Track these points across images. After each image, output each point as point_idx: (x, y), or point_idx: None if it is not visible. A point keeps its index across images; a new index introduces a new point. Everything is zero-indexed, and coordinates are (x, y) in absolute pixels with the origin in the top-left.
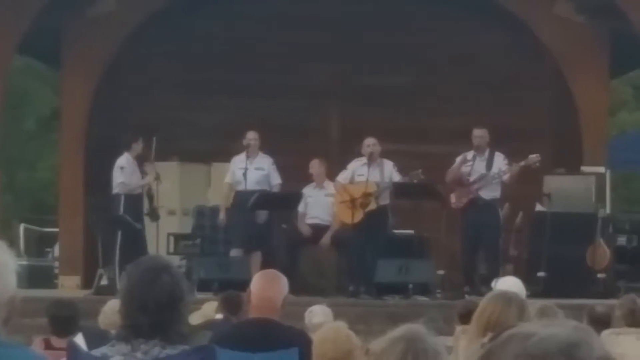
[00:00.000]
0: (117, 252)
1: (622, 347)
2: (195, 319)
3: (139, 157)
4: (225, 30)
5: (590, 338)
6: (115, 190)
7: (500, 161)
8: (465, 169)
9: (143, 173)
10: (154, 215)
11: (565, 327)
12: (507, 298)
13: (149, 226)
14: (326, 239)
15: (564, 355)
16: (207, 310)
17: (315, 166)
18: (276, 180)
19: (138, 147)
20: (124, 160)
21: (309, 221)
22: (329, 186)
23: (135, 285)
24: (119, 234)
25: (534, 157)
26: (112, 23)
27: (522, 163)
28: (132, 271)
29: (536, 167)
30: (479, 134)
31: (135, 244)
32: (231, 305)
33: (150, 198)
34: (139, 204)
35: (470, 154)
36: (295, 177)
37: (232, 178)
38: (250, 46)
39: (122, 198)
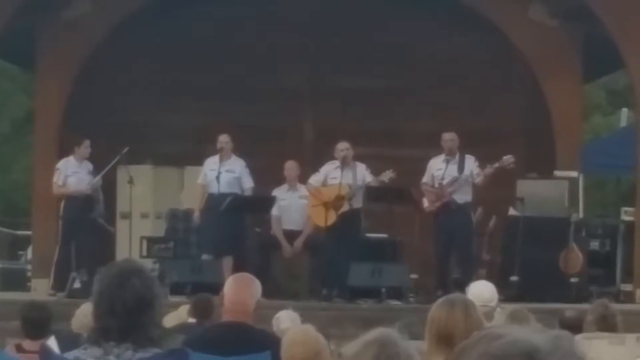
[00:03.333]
0: (84, 255)
1: (595, 352)
2: (169, 322)
3: (89, 157)
4: (199, 32)
5: (560, 345)
6: (53, 191)
7: (471, 163)
8: (437, 172)
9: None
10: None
11: (536, 333)
12: (450, 303)
13: (122, 229)
14: (298, 243)
15: (524, 358)
16: (181, 314)
17: (291, 168)
18: (248, 184)
19: (82, 150)
20: (62, 162)
21: (285, 226)
22: (302, 189)
23: (106, 289)
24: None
25: (508, 158)
26: (86, 26)
27: (496, 164)
28: (103, 275)
29: (510, 169)
30: (449, 137)
31: (102, 247)
32: (202, 309)
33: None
34: (88, 207)
35: (439, 158)
36: (269, 180)
37: (204, 180)
38: (224, 48)
39: (63, 201)
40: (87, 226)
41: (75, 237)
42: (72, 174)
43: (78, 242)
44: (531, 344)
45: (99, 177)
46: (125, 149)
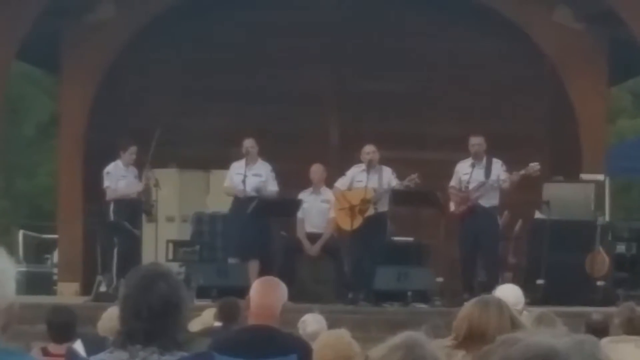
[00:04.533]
0: (115, 258)
1: (621, 355)
2: (195, 326)
3: (134, 163)
4: (224, 36)
5: (581, 350)
6: (106, 196)
7: (498, 168)
8: (464, 177)
9: (142, 179)
10: (148, 212)
11: (555, 337)
12: (485, 302)
13: (148, 233)
14: (317, 246)
15: None
16: (206, 318)
17: (317, 171)
18: (273, 187)
19: (129, 154)
20: (111, 166)
21: (306, 229)
22: (326, 192)
23: (132, 292)
24: (116, 240)
25: (534, 166)
26: (111, 29)
27: (523, 172)
28: (130, 278)
29: (537, 176)
30: (477, 141)
31: (132, 250)
32: (228, 313)
33: (147, 196)
34: (132, 211)
35: (466, 162)
36: (294, 184)
37: (230, 183)
38: (249, 52)
39: (112, 204)
40: (125, 230)
41: (119, 240)
42: (122, 177)
43: (114, 245)
44: (548, 347)
45: (148, 168)
46: (159, 130)
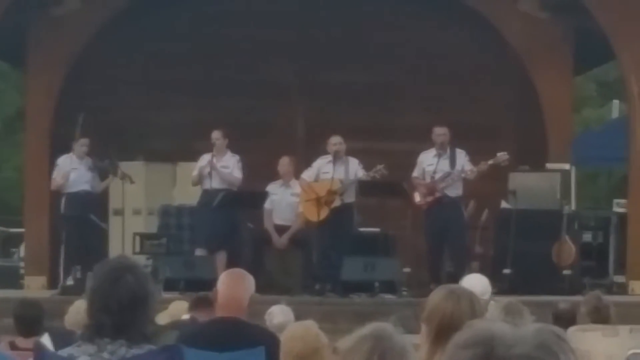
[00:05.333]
0: (62, 252)
1: (589, 343)
2: (163, 319)
3: (88, 155)
4: (190, 28)
5: (528, 337)
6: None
7: (462, 158)
8: (428, 168)
9: (98, 170)
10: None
11: (519, 327)
12: (456, 295)
13: (115, 226)
14: (285, 237)
15: (481, 347)
16: (174, 310)
17: (285, 164)
18: (237, 175)
19: (79, 146)
20: (62, 158)
21: (275, 221)
22: (296, 185)
23: (99, 285)
24: (65, 234)
25: (502, 155)
26: (77, 22)
27: (490, 161)
28: (97, 271)
29: (505, 165)
30: (442, 131)
31: (98, 243)
32: (204, 306)
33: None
34: (84, 204)
35: (430, 153)
36: (262, 176)
37: (198, 173)
38: (215, 44)
39: (63, 197)
40: (85, 223)
41: (75, 233)
42: (72, 170)
43: (77, 238)
44: (493, 334)
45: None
46: (82, 115)
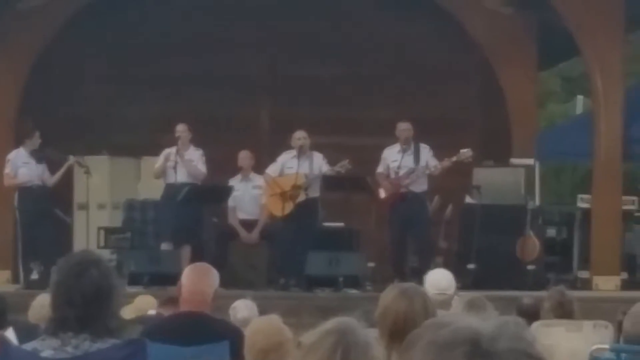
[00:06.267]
0: (19, 245)
1: (553, 338)
2: (128, 313)
3: (39, 148)
4: (154, 22)
5: (507, 331)
6: (4, 182)
7: (426, 153)
8: (393, 164)
9: (48, 163)
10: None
11: (484, 320)
12: (409, 296)
13: (79, 220)
14: (255, 233)
15: (468, 345)
16: (140, 305)
17: (244, 157)
18: (202, 168)
19: (33, 141)
20: (13, 153)
21: (239, 216)
22: (256, 178)
23: (63, 279)
24: (20, 228)
25: (466, 152)
26: (43, 16)
27: (454, 158)
28: (61, 265)
29: (468, 162)
30: (405, 127)
31: (57, 238)
32: (173, 305)
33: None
34: (36, 198)
35: (394, 148)
36: (225, 170)
37: (160, 165)
38: (180, 37)
39: (16, 192)
40: (44, 217)
41: (32, 228)
42: (23, 164)
43: (35, 233)
44: (475, 330)
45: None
46: (29, 120)
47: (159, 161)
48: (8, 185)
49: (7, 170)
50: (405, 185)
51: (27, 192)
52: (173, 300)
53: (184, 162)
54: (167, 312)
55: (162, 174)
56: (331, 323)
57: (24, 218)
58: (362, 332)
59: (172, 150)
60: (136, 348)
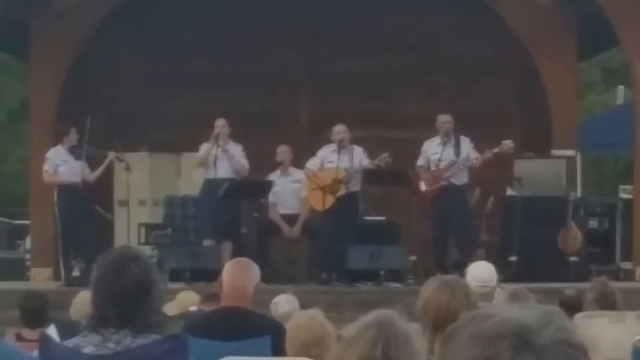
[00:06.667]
0: (59, 243)
1: (595, 330)
2: (171, 309)
3: (79, 147)
4: (193, 19)
5: (551, 321)
6: (43, 178)
7: (467, 145)
8: (433, 156)
9: (88, 160)
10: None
11: (527, 310)
12: (451, 287)
13: (120, 216)
14: (297, 227)
15: (514, 337)
16: (182, 301)
17: (283, 152)
18: (244, 163)
19: (70, 138)
20: (51, 151)
21: (279, 211)
22: (295, 172)
23: (104, 275)
24: (60, 225)
25: (507, 143)
26: (80, 14)
27: (496, 150)
28: (101, 261)
29: (510, 153)
30: (445, 119)
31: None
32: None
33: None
34: (77, 194)
35: (434, 141)
36: (265, 166)
37: (203, 153)
38: (218, 34)
39: (55, 188)
40: (84, 215)
41: (72, 225)
42: (62, 162)
43: (76, 230)
44: (520, 321)
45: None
46: (88, 120)
47: (201, 149)
48: (47, 182)
49: (46, 167)
50: (446, 177)
51: (66, 190)
52: (214, 296)
53: (228, 157)
54: (208, 308)
55: (205, 162)
56: (371, 316)
57: (63, 216)
58: (402, 324)
59: (210, 144)
60: (177, 343)
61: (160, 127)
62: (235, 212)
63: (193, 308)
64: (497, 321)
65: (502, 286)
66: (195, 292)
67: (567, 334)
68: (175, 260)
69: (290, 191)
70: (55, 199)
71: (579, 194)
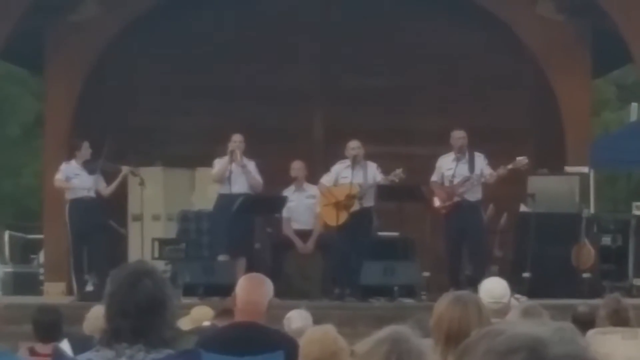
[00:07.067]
0: (71, 257)
1: (608, 347)
2: (185, 324)
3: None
4: (207, 34)
5: (564, 337)
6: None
7: (481, 162)
8: (447, 172)
9: (103, 174)
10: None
11: (540, 326)
12: (463, 302)
13: (134, 231)
14: (310, 243)
15: (526, 351)
16: (196, 316)
17: (297, 168)
18: (259, 179)
19: (83, 152)
20: (64, 164)
21: (293, 227)
22: (310, 188)
23: (117, 290)
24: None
25: (522, 160)
26: (95, 28)
27: (510, 166)
28: (115, 276)
29: (524, 170)
30: (460, 135)
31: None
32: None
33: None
34: (89, 209)
35: (449, 157)
36: (279, 181)
37: (218, 169)
38: (233, 49)
39: (67, 203)
40: (97, 229)
41: (85, 240)
42: (74, 176)
43: (89, 245)
44: (534, 336)
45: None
46: (109, 139)
47: (216, 165)
48: (58, 187)
49: (58, 175)
50: (459, 193)
51: (78, 204)
52: (228, 311)
53: (245, 173)
54: (222, 323)
55: (222, 177)
56: (384, 331)
57: (75, 230)
58: (415, 340)
59: (223, 160)
60: (190, 358)
61: (175, 142)
62: (249, 227)
63: (207, 323)
64: (509, 336)
65: (518, 298)
66: (209, 307)
67: (581, 350)
68: (189, 275)
69: (304, 207)
70: (67, 212)
71: (592, 210)
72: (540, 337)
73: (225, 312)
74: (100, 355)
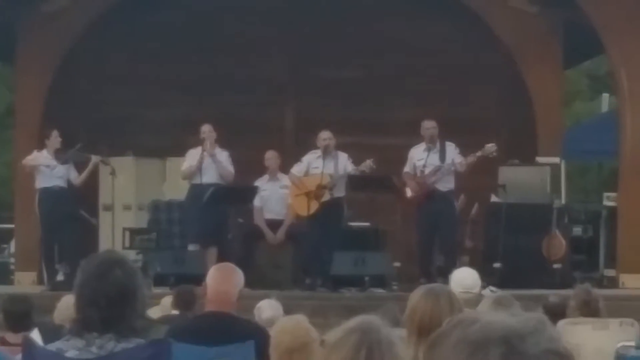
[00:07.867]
0: (42, 247)
1: (579, 337)
2: (154, 313)
3: (64, 150)
4: (178, 25)
5: (537, 328)
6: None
7: (452, 151)
8: (419, 162)
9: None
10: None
11: (514, 317)
12: (435, 294)
13: (105, 221)
14: (281, 233)
15: (502, 343)
16: (165, 305)
17: (271, 157)
18: (231, 169)
19: (52, 141)
20: (35, 153)
21: (266, 216)
22: (283, 178)
23: (88, 280)
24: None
25: (490, 147)
26: (66, 19)
27: (479, 153)
28: (85, 266)
29: (493, 157)
30: (429, 125)
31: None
32: (184, 301)
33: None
34: (60, 198)
35: (420, 147)
36: (251, 171)
37: (188, 166)
38: (204, 39)
39: (37, 192)
40: (68, 218)
41: (56, 229)
42: (45, 166)
43: (60, 234)
44: (507, 326)
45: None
46: (79, 145)
47: (187, 162)
48: (26, 165)
49: (29, 157)
50: (431, 183)
51: (48, 194)
52: (182, 301)
53: (215, 162)
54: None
55: (192, 175)
56: (354, 321)
57: (45, 219)
58: (385, 330)
59: (196, 150)
60: (161, 348)
61: (147, 132)
62: (220, 217)
63: (175, 312)
64: (483, 326)
65: (492, 289)
66: None
67: (555, 343)
68: (159, 265)
69: (278, 196)
70: (36, 202)
71: (563, 201)
72: (514, 327)
73: (180, 299)
74: (71, 344)
